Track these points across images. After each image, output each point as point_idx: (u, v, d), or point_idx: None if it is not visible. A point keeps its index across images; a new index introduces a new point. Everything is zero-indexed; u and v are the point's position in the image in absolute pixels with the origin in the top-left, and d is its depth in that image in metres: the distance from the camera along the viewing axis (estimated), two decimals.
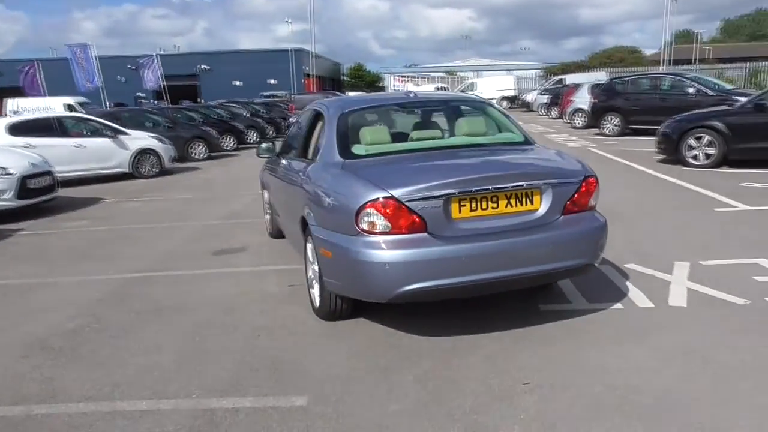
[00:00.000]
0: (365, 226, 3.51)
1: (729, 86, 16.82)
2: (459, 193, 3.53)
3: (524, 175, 3.68)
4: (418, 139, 4.42)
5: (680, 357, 3.49)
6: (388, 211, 3.46)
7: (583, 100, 19.27)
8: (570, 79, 33.27)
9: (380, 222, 3.47)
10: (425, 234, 3.49)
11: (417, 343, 3.83)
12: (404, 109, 4.88)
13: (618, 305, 4.28)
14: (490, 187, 3.57)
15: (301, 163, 4.83)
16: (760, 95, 10.16)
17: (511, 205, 3.61)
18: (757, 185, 8.60)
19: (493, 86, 38.01)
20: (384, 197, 3.46)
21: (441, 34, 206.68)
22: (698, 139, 10.25)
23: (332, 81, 59.91)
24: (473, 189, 3.55)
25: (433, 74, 74.08)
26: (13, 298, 5.29)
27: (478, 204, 3.56)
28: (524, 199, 3.64)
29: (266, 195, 6.95)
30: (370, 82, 73.69)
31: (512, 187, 3.62)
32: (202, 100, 40.21)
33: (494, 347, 3.71)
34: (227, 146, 18.74)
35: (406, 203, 3.46)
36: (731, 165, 10.07)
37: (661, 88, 15.83)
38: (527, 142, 4.48)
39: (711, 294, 4.40)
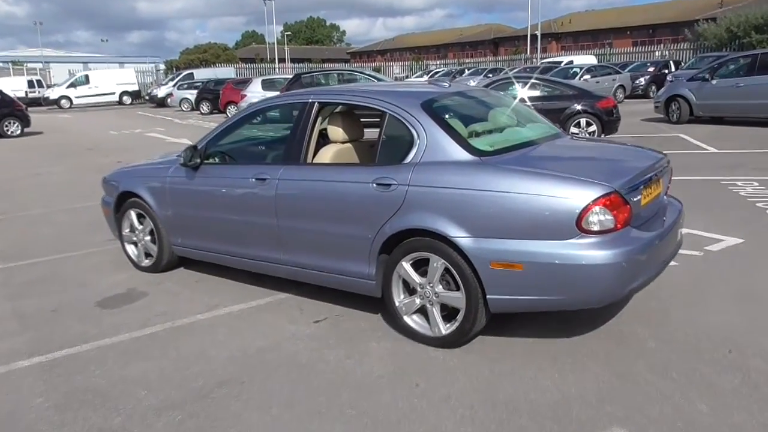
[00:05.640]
0: (590, 226, 3.15)
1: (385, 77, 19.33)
2: (647, 180, 3.50)
3: (662, 161, 3.84)
4: (501, 130, 4.06)
5: None
6: (614, 206, 3.18)
7: (257, 94, 19.40)
8: (198, 74, 32.74)
9: (606, 219, 3.16)
10: (630, 227, 3.34)
11: (577, 342, 3.63)
12: (462, 98, 4.34)
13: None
14: (655, 174, 3.65)
15: (345, 169, 3.94)
16: None
17: (653, 189, 3.72)
18: None
19: (112, 80, 34.46)
20: (609, 192, 3.17)
21: None
22: None
23: None
24: (652, 176, 3.58)
25: None
26: None
27: (647, 191, 3.57)
28: (657, 184, 3.78)
29: (134, 218, 5.23)
30: None
31: (660, 172, 3.75)
32: None
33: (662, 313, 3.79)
34: None
35: (625, 196, 3.25)
36: None
37: (346, 81, 17.17)
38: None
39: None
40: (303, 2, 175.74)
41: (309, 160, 4.18)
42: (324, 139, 4.50)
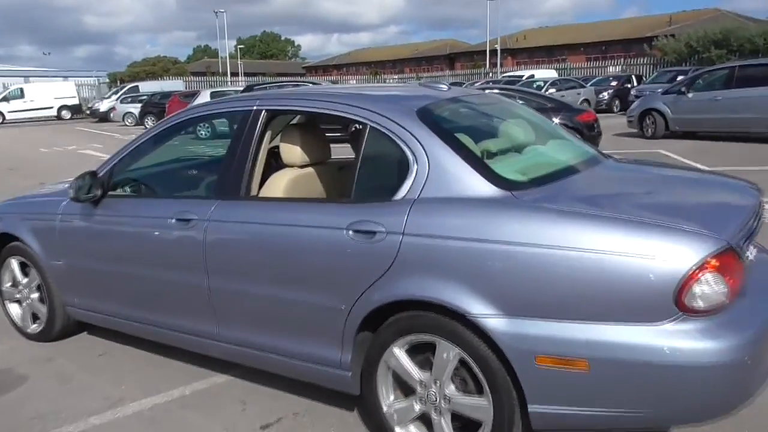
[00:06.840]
0: (694, 302, 2.00)
1: None
2: (754, 227, 2.38)
3: (760, 196, 2.70)
4: (520, 150, 2.89)
5: None
6: (727, 269, 2.03)
7: None
8: (144, 87, 30.96)
9: (718, 290, 2.01)
10: (743, 297, 2.21)
11: None
12: (465, 106, 3.15)
13: None
14: (759, 215, 2.53)
15: (324, 210, 2.67)
16: None
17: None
18: None
19: (49, 93, 32.23)
20: (722, 248, 2.02)
21: None
22: None
23: None
24: (758, 220, 2.46)
25: None
26: None
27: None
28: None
29: (16, 268, 3.89)
30: None
31: (761, 213, 2.64)
32: None
33: None
34: None
35: (739, 252, 2.11)
36: None
37: None
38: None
39: None
40: (256, 17, 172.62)
41: (253, 193, 2.93)
42: (276, 162, 3.27)
